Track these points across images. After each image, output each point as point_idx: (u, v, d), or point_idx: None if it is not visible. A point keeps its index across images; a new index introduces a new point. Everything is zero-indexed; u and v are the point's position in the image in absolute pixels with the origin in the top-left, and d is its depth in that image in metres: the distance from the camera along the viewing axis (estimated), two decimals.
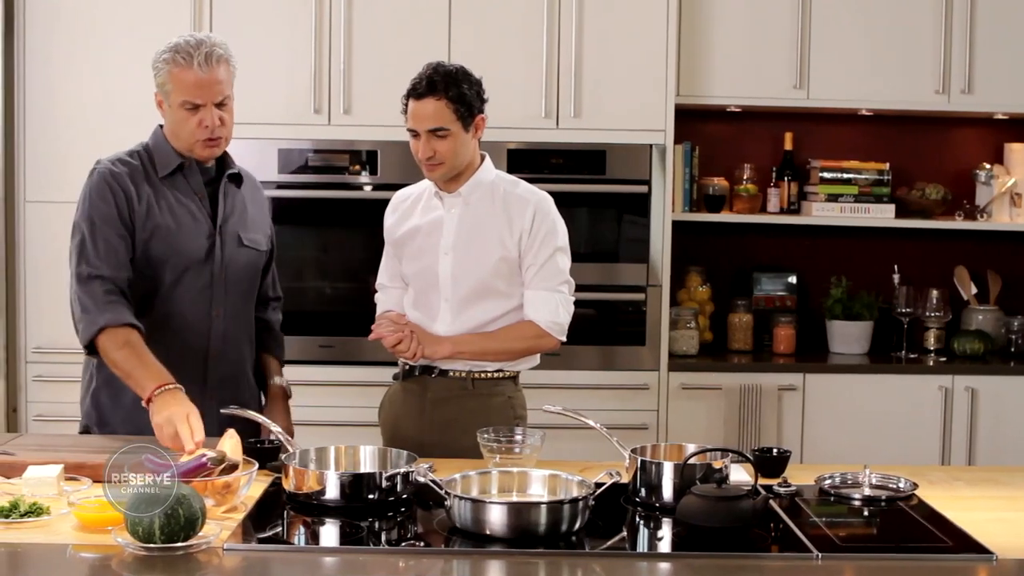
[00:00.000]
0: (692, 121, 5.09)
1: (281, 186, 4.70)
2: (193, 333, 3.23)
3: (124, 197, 3.17)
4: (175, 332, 3.21)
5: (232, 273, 3.30)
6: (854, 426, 4.81)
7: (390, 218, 3.49)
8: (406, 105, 3.28)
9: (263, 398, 3.46)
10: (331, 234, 4.81)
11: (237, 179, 3.36)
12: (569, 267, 3.38)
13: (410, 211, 3.44)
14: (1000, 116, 5.18)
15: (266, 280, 3.49)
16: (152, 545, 2.30)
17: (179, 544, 2.31)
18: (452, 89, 3.21)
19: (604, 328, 4.79)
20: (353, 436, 3.86)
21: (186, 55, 3.15)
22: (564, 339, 3.37)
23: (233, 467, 2.65)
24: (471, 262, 3.31)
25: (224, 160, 3.33)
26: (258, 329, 3.47)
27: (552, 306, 3.32)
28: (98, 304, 3.08)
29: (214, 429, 2.94)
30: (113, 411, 3.22)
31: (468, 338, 3.32)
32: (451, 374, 3.35)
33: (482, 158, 3.37)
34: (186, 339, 3.23)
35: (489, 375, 3.35)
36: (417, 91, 3.24)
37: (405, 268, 3.44)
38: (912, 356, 5.08)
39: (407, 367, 3.42)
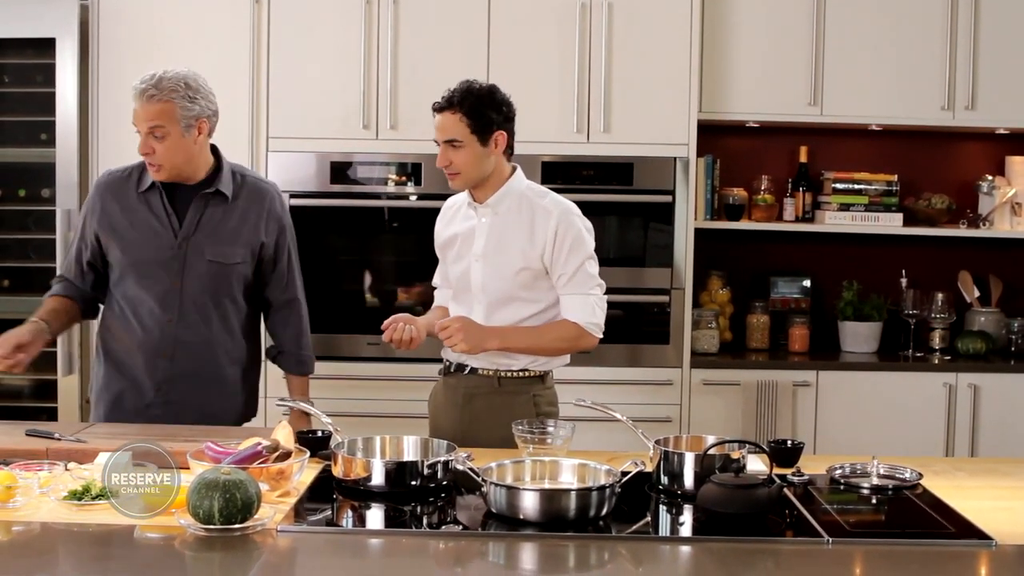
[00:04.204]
0: (713, 136, 5.06)
1: (333, 195, 4.72)
2: (145, 331, 3.35)
3: (100, 208, 3.36)
4: (129, 327, 3.36)
5: (190, 284, 3.33)
6: (864, 420, 4.78)
7: (438, 224, 3.48)
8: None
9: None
10: (378, 240, 4.82)
11: (219, 196, 3.35)
12: (598, 270, 3.32)
13: (453, 218, 3.43)
14: (1001, 131, 5.13)
15: (267, 288, 3.48)
16: (212, 526, 2.31)
17: (236, 526, 2.32)
18: (467, 105, 3.18)
19: (631, 328, 4.77)
20: (398, 427, 3.88)
21: (136, 87, 3.24)
22: (601, 336, 3.30)
23: (286, 455, 2.66)
24: (498, 270, 3.27)
25: (212, 179, 3.34)
26: (275, 352, 3.55)
27: (589, 307, 3.25)
28: (51, 289, 3.44)
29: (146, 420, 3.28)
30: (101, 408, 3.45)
31: (515, 336, 3.25)
32: (480, 372, 3.32)
33: (513, 169, 3.33)
34: (138, 335, 3.35)
35: (515, 374, 3.31)
36: (438, 105, 3.23)
37: (448, 270, 3.44)
38: (918, 355, 5.04)
39: (448, 364, 3.41)
